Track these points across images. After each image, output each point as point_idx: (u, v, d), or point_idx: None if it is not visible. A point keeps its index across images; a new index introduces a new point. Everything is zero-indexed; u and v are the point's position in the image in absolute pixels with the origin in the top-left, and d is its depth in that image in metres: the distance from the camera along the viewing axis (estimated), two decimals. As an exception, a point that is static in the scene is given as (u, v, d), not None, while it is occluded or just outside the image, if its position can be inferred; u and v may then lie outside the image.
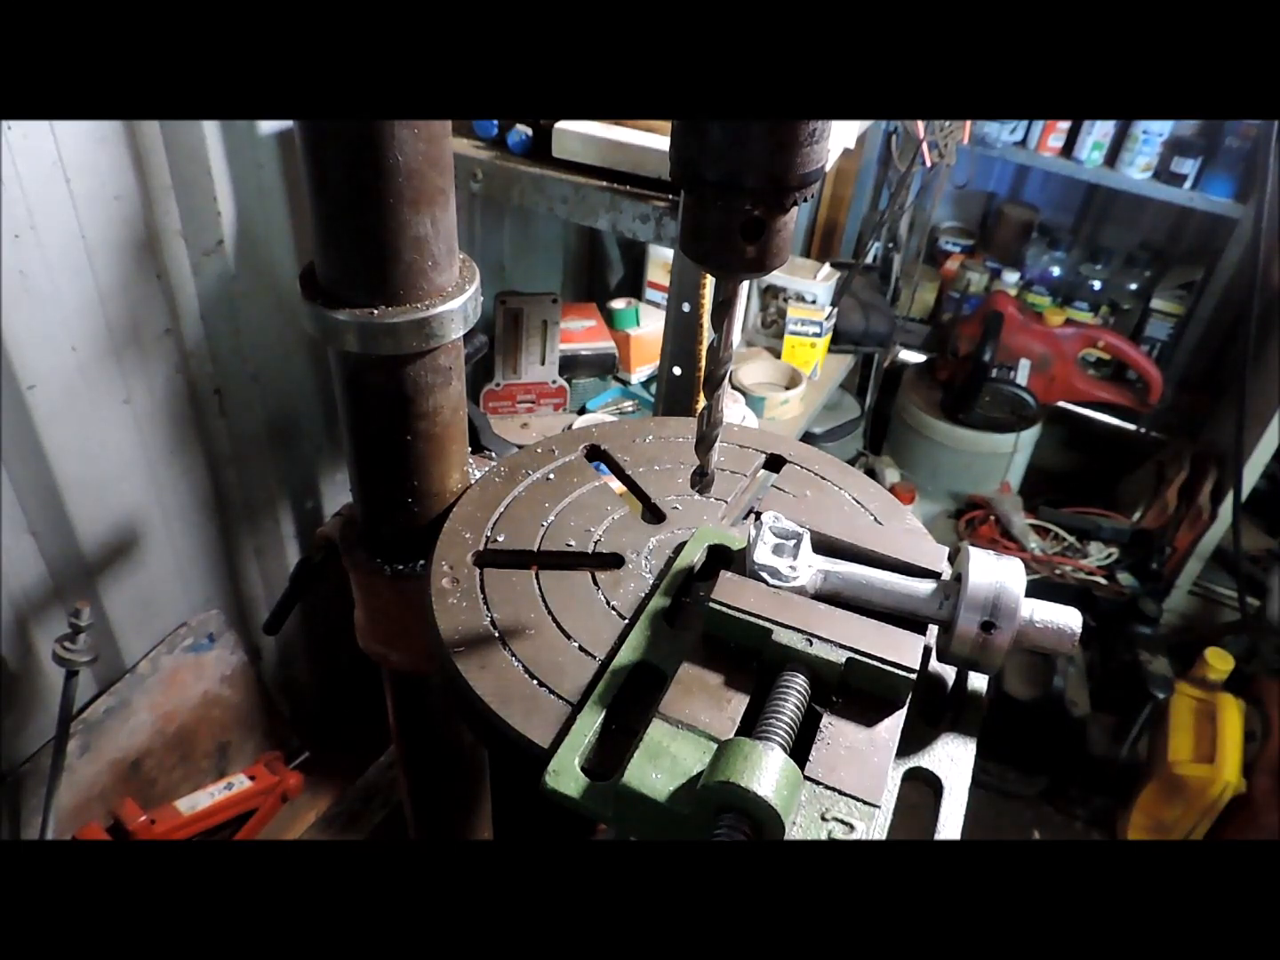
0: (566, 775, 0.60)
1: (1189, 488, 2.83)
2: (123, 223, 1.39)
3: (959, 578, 0.67)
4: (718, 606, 0.67)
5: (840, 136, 1.56)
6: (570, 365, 2.17)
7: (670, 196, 1.34)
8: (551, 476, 0.89)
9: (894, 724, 0.64)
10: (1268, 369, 2.54)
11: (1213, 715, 2.27)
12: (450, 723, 1.06)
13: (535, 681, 0.69)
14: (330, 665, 2.23)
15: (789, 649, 0.64)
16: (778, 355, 2.48)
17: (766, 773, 0.54)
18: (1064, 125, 2.93)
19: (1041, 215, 3.46)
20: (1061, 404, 3.23)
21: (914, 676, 0.64)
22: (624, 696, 0.66)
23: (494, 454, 1.10)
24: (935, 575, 0.71)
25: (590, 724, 0.64)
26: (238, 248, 1.55)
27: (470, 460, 0.92)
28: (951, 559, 0.72)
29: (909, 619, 0.69)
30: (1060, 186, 3.45)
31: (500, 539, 0.82)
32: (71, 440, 1.46)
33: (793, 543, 0.71)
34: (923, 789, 0.66)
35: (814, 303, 2.50)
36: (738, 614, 0.66)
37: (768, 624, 0.65)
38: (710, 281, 1.33)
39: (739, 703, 0.64)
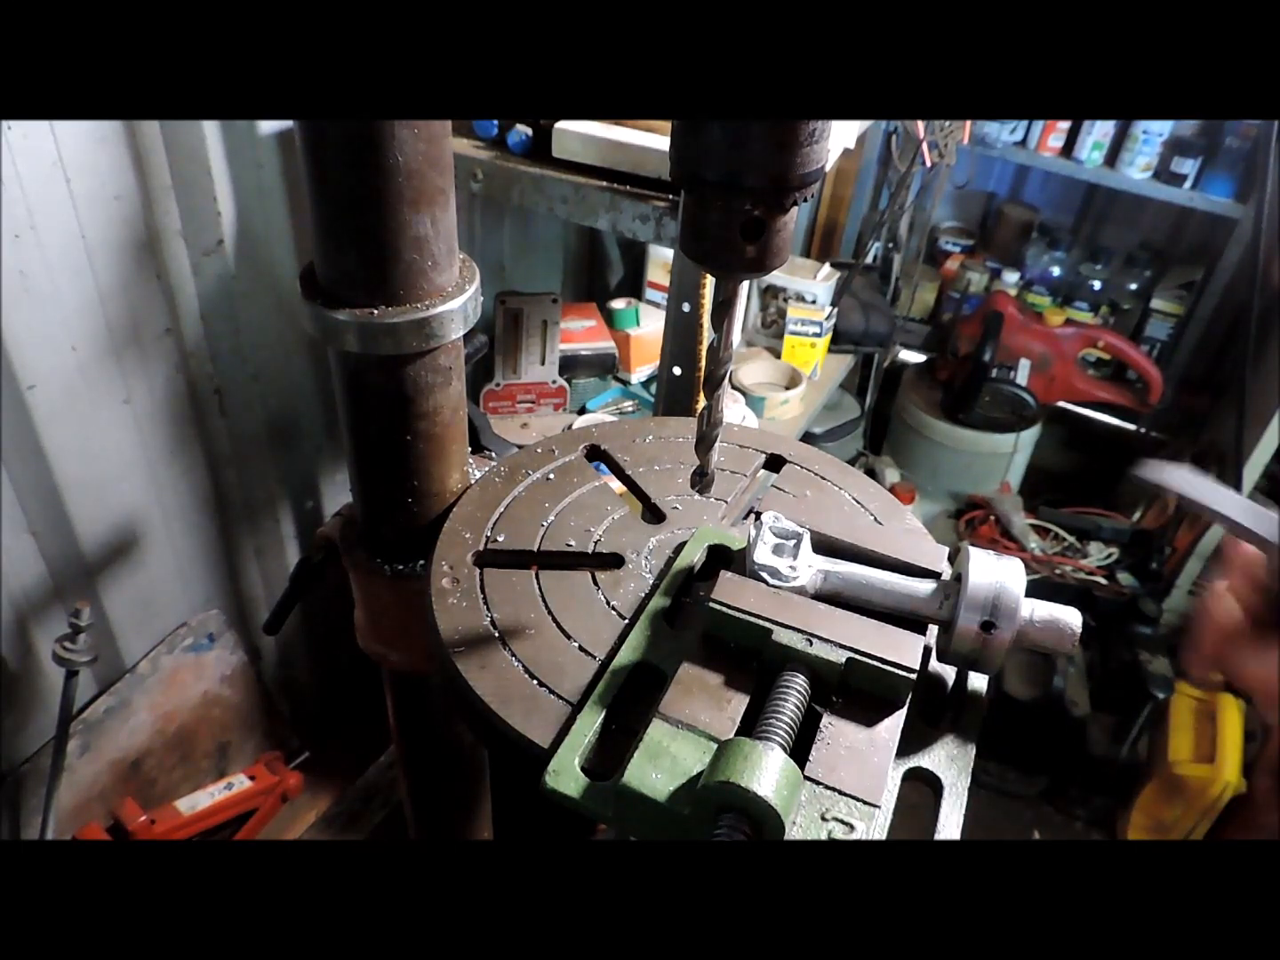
0: (566, 775, 0.60)
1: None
2: (123, 223, 1.39)
3: (959, 578, 0.67)
4: (718, 606, 0.67)
5: (840, 136, 1.56)
6: (570, 365, 2.17)
7: (670, 196, 1.34)
8: (551, 476, 0.89)
9: (894, 724, 0.64)
10: (1268, 369, 2.54)
11: (1213, 715, 2.27)
12: (450, 723, 1.06)
13: (535, 681, 0.69)
14: (330, 665, 2.23)
15: (789, 649, 0.64)
16: (778, 355, 2.48)
17: (766, 773, 0.54)
18: (1064, 125, 2.93)
19: (1041, 215, 3.46)
20: (1061, 404, 3.23)
21: (914, 676, 0.64)
22: (624, 696, 0.66)
23: (494, 454, 1.10)
24: (935, 575, 0.71)
25: (590, 724, 0.64)
26: (238, 248, 1.55)
27: (470, 460, 0.92)
28: (951, 559, 0.72)
29: (909, 619, 0.69)
30: (1060, 186, 3.45)
31: (500, 539, 0.82)
32: (71, 440, 1.46)
33: (793, 543, 0.71)
34: (923, 789, 0.66)
35: (814, 303, 2.50)
36: (738, 614, 0.66)
37: (768, 624, 0.65)
38: (710, 281, 1.33)
39: (739, 703, 0.64)
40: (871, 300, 2.78)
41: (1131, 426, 3.22)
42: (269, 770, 1.94)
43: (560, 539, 0.82)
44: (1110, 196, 3.32)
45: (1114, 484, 3.19)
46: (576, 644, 0.72)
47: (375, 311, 0.71)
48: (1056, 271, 3.36)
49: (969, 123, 2.46)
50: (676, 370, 1.44)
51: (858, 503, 0.89)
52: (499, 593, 0.76)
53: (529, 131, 1.45)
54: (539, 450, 0.93)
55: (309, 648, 2.18)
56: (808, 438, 2.66)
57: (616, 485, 0.90)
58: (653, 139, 1.36)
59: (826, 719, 0.63)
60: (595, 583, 0.78)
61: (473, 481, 0.89)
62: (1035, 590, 0.64)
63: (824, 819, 0.57)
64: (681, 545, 0.80)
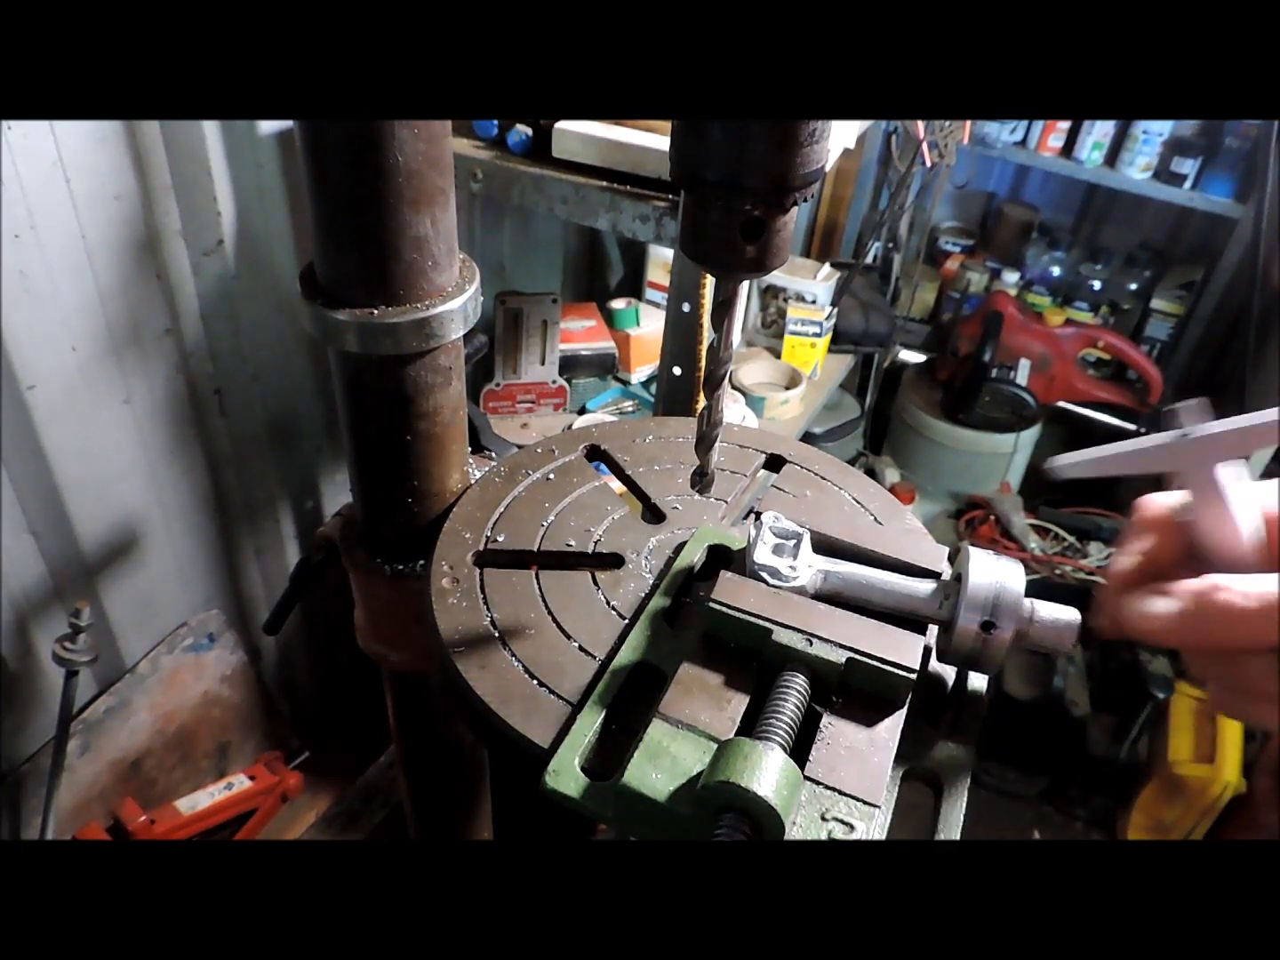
0: (566, 775, 0.60)
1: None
2: (123, 223, 1.39)
3: (959, 578, 0.67)
4: (718, 606, 0.67)
5: (840, 136, 1.56)
6: (570, 365, 2.17)
7: (670, 196, 1.34)
8: (551, 476, 0.89)
9: (894, 724, 0.64)
10: (1268, 369, 2.54)
11: (1213, 715, 2.27)
12: (450, 723, 1.06)
13: (535, 681, 0.68)
14: (330, 665, 2.23)
15: (789, 649, 0.64)
16: (778, 355, 2.48)
17: (766, 773, 0.54)
18: (1064, 125, 2.93)
19: (1041, 215, 3.47)
20: (1061, 404, 3.23)
21: (914, 676, 0.64)
22: (624, 696, 0.66)
23: (494, 454, 1.10)
24: (935, 575, 0.71)
25: (590, 724, 0.64)
26: (238, 248, 1.55)
27: (470, 460, 0.92)
28: (951, 559, 0.72)
29: (909, 619, 0.69)
30: (1060, 186, 3.45)
31: (500, 539, 0.82)
32: (71, 440, 1.46)
33: (793, 543, 0.71)
34: (923, 789, 0.66)
35: (814, 303, 2.50)
36: (738, 614, 0.66)
37: (768, 624, 0.65)
38: (710, 281, 1.33)
39: (739, 703, 0.64)
40: (871, 300, 2.78)
41: (1131, 426, 3.22)
42: (269, 770, 1.94)
43: (560, 539, 0.82)
44: (1110, 196, 3.33)
45: (1114, 484, 3.19)
46: (576, 644, 0.72)
47: (375, 312, 0.71)
48: (1056, 271, 3.36)
49: (969, 123, 2.46)
50: (676, 370, 1.44)
51: (858, 503, 0.89)
52: (499, 593, 0.76)
53: (529, 131, 1.45)
54: (539, 450, 0.93)
55: (309, 648, 2.18)
56: (808, 438, 2.66)
57: (616, 485, 0.90)
58: (653, 139, 1.36)
59: (826, 719, 0.63)
60: (595, 583, 0.78)
61: (473, 481, 0.89)
62: (1035, 590, 0.64)
63: (824, 819, 0.57)
64: (681, 545, 0.80)
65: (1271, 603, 0.51)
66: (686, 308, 1.36)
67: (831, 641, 0.65)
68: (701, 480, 0.77)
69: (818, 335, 2.45)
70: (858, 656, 0.64)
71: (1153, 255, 3.30)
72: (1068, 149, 2.96)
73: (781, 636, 0.65)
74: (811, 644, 0.65)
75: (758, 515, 0.73)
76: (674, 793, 0.57)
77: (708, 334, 1.36)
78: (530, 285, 2.21)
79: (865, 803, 0.58)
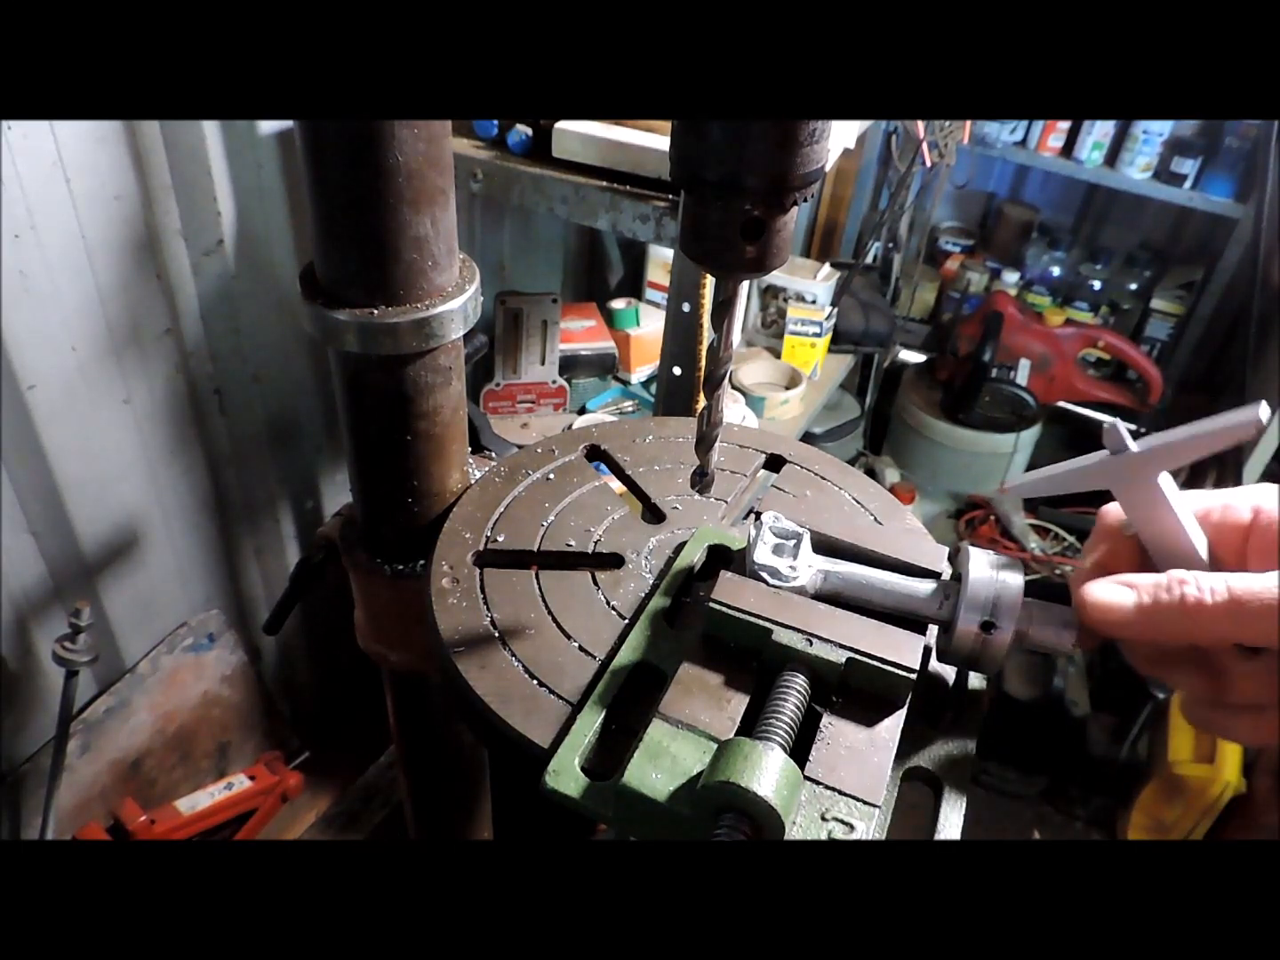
0: (566, 775, 0.60)
1: (1189, 488, 2.83)
2: (123, 223, 1.39)
3: (959, 578, 0.67)
4: (718, 606, 0.67)
5: (840, 136, 1.56)
6: (570, 365, 2.17)
7: (670, 196, 1.34)
8: (551, 476, 0.89)
9: (894, 724, 0.64)
10: (1268, 369, 2.54)
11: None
12: (450, 723, 1.06)
13: (535, 681, 0.68)
14: (330, 665, 2.23)
15: (789, 649, 0.64)
16: (778, 355, 2.48)
17: (766, 773, 0.54)
18: (1064, 125, 2.93)
19: (1041, 215, 3.47)
20: (1061, 404, 3.23)
21: (914, 676, 0.64)
22: (624, 696, 0.66)
23: (494, 454, 1.10)
24: (935, 575, 0.71)
25: (590, 724, 0.64)
26: (238, 248, 1.55)
27: (470, 460, 0.92)
28: (951, 559, 0.72)
29: (909, 619, 0.69)
30: (1060, 186, 3.45)
31: (500, 539, 0.82)
32: (71, 440, 1.46)
33: (793, 543, 0.71)
34: (923, 789, 0.66)
35: (814, 303, 2.50)
36: (738, 614, 0.66)
37: (768, 624, 0.65)
38: (710, 281, 1.33)
39: (739, 703, 0.64)
40: (871, 300, 2.78)
41: (1132, 426, 3.22)
42: (269, 770, 1.94)
43: (560, 539, 0.82)
44: (1110, 196, 3.33)
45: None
46: (576, 644, 0.72)
47: (375, 311, 0.71)
48: (1056, 271, 3.36)
49: (969, 123, 2.46)
50: (676, 370, 1.44)
51: (858, 503, 0.89)
52: (499, 593, 0.76)
53: (529, 131, 1.45)
54: (539, 450, 0.93)
55: (309, 648, 2.18)
56: (808, 438, 2.66)
57: (616, 485, 0.90)
58: (653, 139, 1.36)
59: (826, 719, 0.63)
60: (595, 583, 0.78)
61: (473, 481, 0.89)
62: (1035, 590, 0.64)
63: (824, 819, 0.57)
64: (681, 545, 0.80)
65: (1235, 598, 0.53)
66: (686, 308, 1.36)
67: (831, 641, 0.65)
68: (701, 480, 0.77)
69: (818, 335, 2.45)
70: (858, 656, 0.64)
71: (1153, 255, 3.30)
72: (1068, 149, 2.96)
73: (781, 636, 0.65)
74: (811, 644, 0.65)
75: (758, 515, 0.73)
76: (674, 793, 0.57)
77: (708, 334, 1.36)
78: (530, 285, 2.21)
79: (865, 803, 0.58)
